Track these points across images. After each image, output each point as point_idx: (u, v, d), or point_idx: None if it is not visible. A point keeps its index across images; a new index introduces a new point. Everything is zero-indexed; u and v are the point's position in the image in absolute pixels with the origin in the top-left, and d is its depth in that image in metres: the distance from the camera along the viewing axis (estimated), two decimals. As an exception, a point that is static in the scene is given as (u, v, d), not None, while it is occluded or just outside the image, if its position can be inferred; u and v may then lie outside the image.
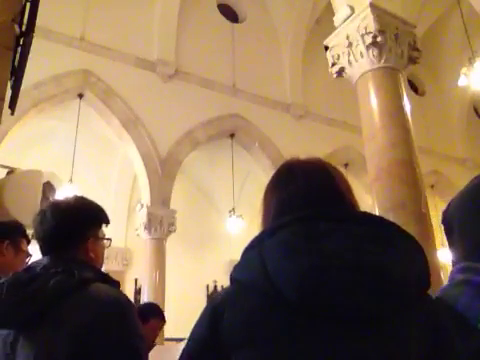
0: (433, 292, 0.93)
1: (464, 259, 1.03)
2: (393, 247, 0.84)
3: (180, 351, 0.93)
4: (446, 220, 1.11)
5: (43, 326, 1.19)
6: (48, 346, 1.17)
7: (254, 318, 0.82)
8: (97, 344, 1.15)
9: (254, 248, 0.89)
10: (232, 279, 0.91)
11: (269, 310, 0.82)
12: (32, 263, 1.37)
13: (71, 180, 8.10)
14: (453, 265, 1.07)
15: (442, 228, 1.13)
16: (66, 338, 1.15)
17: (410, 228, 3.50)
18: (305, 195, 0.94)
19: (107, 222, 1.48)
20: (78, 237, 1.38)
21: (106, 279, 1.32)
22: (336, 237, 0.83)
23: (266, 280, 0.81)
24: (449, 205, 1.11)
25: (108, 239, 1.48)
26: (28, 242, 2.13)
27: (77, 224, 1.39)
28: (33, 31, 2.57)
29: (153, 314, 3.35)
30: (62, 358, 1.14)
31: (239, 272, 0.90)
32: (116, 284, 1.34)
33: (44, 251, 1.38)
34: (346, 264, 0.79)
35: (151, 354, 2.19)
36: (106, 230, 1.50)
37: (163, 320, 3.50)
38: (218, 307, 0.88)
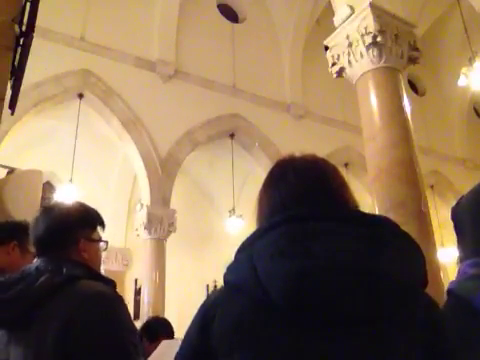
0: (433, 292, 0.93)
1: (476, 254, 1.02)
2: (387, 247, 0.82)
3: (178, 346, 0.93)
4: (456, 215, 1.10)
5: (32, 325, 1.20)
6: (37, 344, 1.17)
7: (243, 322, 0.81)
8: (83, 339, 1.15)
9: (245, 250, 0.88)
10: (225, 280, 0.91)
11: (258, 313, 0.81)
12: (27, 265, 1.39)
13: (71, 180, 8.10)
14: (461, 260, 1.07)
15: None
16: (53, 334, 1.15)
17: (410, 228, 3.50)
18: (296, 194, 0.93)
19: (102, 224, 1.50)
20: (67, 239, 1.40)
21: (98, 277, 1.33)
22: (325, 238, 0.82)
23: (256, 283, 0.81)
24: (460, 200, 1.11)
25: (104, 242, 1.49)
26: None
27: (65, 226, 1.41)
28: (33, 31, 2.57)
29: (163, 332, 3.05)
30: (50, 355, 1.14)
31: (230, 274, 0.89)
32: (109, 283, 1.34)
33: (38, 253, 1.42)
34: (335, 265, 0.78)
35: (156, 351, 2.17)
36: (106, 233, 1.52)
37: (172, 337, 3.26)
38: (209, 310, 0.88)
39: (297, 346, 0.78)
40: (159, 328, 3.15)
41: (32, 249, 2.06)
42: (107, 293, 1.26)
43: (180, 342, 0.93)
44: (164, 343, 2.16)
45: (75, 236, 1.41)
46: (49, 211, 1.46)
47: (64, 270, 1.27)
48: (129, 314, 1.30)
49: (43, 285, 1.23)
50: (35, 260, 1.40)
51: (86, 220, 1.47)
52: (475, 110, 15.43)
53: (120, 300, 1.28)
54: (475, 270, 1.00)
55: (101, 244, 1.49)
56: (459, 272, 1.05)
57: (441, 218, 9.02)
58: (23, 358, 1.18)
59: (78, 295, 1.22)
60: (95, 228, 1.48)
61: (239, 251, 0.91)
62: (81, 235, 1.42)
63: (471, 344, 0.90)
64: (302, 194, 0.93)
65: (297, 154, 1.01)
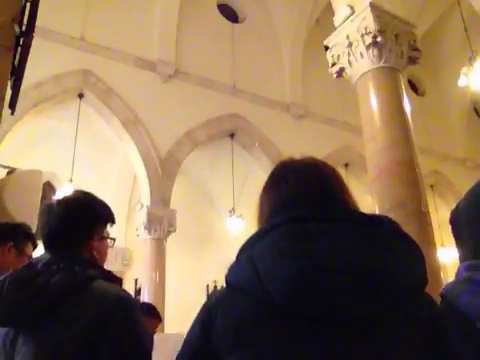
0: (433, 292, 0.93)
1: (471, 257, 1.03)
2: (386, 247, 0.83)
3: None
4: (455, 218, 1.11)
5: (47, 324, 1.17)
6: (53, 344, 1.15)
7: (244, 323, 0.82)
8: (105, 342, 1.14)
9: (246, 250, 0.89)
10: (226, 280, 0.91)
11: (260, 314, 0.82)
12: (33, 259, 1.36)
13: (71, 180, 8.09)
14: (460, 262, 1.07)
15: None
16: (74, 337, 1.14)
17: (410, 228, 3.50)
18: (296, 195, 0.94)
19: (113, 221, 1.46)
20: (84, 234, 1.36)
21: (109, 276, 1.31)
22: (325, 238, 0.82)
23: (257, 283, 0.81)
24: (458, 203, 1.11)
25: (112, 239, 1.46)
26: (34, 246, 2.09)
27: (84, 221, 1.36)
28: (33, 31, 2.57)
29: (148, 314, 3.32)
30: (68, 356, 1.13)
31: (231, 274, 0.90)
32: (118, 281, 1.34)
33: (47, 246, 1.36)
34: (334, 266, 0.78)
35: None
36: (109, 229, 1.49)
37: (158, 319, 3.51)
38: (211, 311, 0.88)
39: (297, 346, 0.79)
40: (144, 312, 3.33)
41: (29, 252, 2.06)
42: (128, 297, 1.25)
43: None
44: (158, 336, 2.17)
45: (91, 233, 1.37)
46: (66, 201, 1.39)
47: (77, 269, 1.24)
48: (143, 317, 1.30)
49: (60, 284, 1.19)
50: (40, 254, 1.36)
51: (102, 215, 1.42)
52: (475, 110, 15.43)
53: (138, 304, 1.28)
54: (466, 274, 1.00)
55: (109, 241, 1.45)
56: (456, 275, 1.06)
57: (441, 218, 9.01)
58: (35, 358, 1.16)
59: (100, 298, 1.19)
60: (106, 224, 1.44)
61: (240, 252, 0.91)
62: (96, 232, 1.38)
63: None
64: (302, 195, 0.94)
65: (297, 157, 1.03)
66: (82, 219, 1.36)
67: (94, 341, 1.13)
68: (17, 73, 2.78)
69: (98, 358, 1.14)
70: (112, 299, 1.20)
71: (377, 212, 4.09)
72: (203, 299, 0.96)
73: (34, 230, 2.24)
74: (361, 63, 4.62)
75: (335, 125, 11.29)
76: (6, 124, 6.77)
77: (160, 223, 8.69)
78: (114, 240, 1.47)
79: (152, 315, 3.44)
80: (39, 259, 1.32)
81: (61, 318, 1.17)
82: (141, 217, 8.76)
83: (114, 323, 1.16)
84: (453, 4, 10.63)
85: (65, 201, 1.40)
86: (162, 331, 7.09)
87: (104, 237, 1.42)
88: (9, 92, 2.83)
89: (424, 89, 14.36)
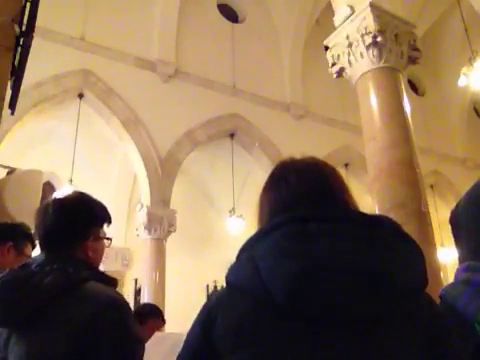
0: (433, 292, 0.93)
1: (470, 258, 1.03)
2: (386, 247, 0.83)
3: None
4: (454, 219, 1.11)
5: (39, 325, 1.18)
6: (43, 345, 1.15)
7: (245, 323, 0.82)
8: (94, 345, 1.14)
9: (246, 250, 0.89)
10: (227, 280, 0.91)
11: (260, 314, 0.82)
12: (28, 260, 1.36)
13: (71, 180, 8.09)
14: (459, 263, 1.07)
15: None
16: (64, 338, 1.14)
17: (410, 228, 3.50)
18: (296, 194, 0.94)
19: (109, 221, 1.46)
20: (79, 235, 1.36)
21: (103, 278, 1.31)
22: (326, 238, 0.82)
23: (258, 283, 0.81)
24: (457, 204, 1.11)
25: (109, 239, 1.46)
26: (33, 247, 2.09)
27: (80, 222, 1.36)
28: (33, 31, 2.57)
29: (152, 315, 3.33)
30: (60, 356, 1.13)
31: (232, 275, 0.90)
32: (113, 282, 1.33)
33: (43, 246, 1.36)
34: (335, 266, 0.78)
35: (148, 343, 2.18)
36: (107, 229, 1.49)
37: (162, 321, 3.48)
38: (211, 312, 0.88)
39: (298, 346, 0.79)
40: (149, 313, 3.35)
41: (28, 252, 2.06)
42: (120, 299, 1.25)
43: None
44: (157, 335, 2.17)
45: (86, 233, 1.37)
46: (61, 202, 1.39)
47: (70, 270, 1.24)
48: (136, 319, 1.30)
49: (52, 285, 1.19)
50: (36, 254, 1.36)
51: (98, 216, 1.42)
52: (475, 110, 15.43)
53: (129, 306, 1.28)
54: (465, 275, 1.00)
55: (105, 241, 1.45)
56: (455, 276, 1.06)
57: (441, 218, 9.01)
58: (27, 358, 1.16)
59: (92, 300, 1.19)
60: (102, 224, 1.44)
61: (241, 252, 0.91)
62: (91, 233, 1.38)
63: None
64: (302, 195, 0.93)
65: (297, 156, 1.03)
66: (77, 219, 1.36)
67: (87, 342, 1.13)
68: (17, 73, 2.78)
69: (92, 359, 1.14)
70: (104, 300, 1.20)
71: (377, 212, 4.09)
72: (203, 299, 0.96)
73: (33, 230, 2.24)
74: (361, 63, 4.63)
75: (335, 125, 11.28)
76: (6, 124, 6.77)
77: (160, 223, 8.69)
78: (110, 240, 1.47)
79: (156, 316, 3.40)
80: (34, 260, 1.33)
81: (54, 319, 1.17)
82: (141, 217, 8.76)
83: (113, 323, 1.16)
84: (453, 4, 10.63)
85: (60, 201, 1.40)
86: (162, 331, 7.08)
87: (100, 237, 1.42)
88: (9, 92, 2.83)
89: (424, 89, 14.35)
